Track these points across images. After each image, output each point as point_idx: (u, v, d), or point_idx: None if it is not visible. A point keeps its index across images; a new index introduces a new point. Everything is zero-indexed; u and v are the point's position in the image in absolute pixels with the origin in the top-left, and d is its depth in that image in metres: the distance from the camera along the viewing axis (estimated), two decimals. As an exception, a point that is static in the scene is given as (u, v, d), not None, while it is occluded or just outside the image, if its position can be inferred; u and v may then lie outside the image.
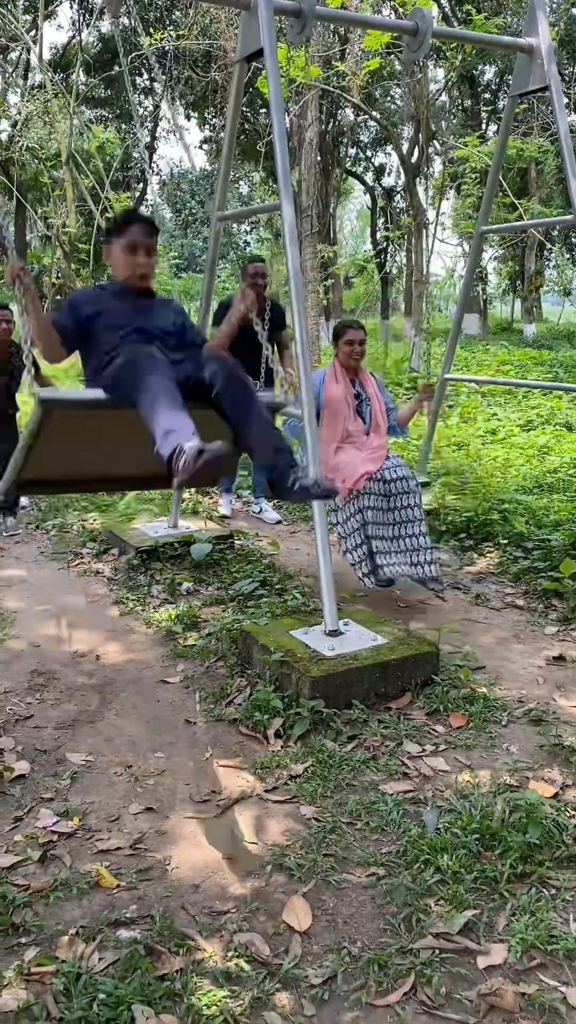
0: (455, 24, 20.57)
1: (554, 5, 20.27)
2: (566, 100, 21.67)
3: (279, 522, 6.28)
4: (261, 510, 6.41)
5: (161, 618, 4.22)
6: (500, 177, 5.58)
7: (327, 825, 2.53)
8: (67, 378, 12.57)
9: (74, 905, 2.21)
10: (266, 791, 2.73)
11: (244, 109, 20.84)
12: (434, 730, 3.12)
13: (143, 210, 28.86)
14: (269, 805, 2.66)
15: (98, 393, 2.88)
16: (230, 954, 2.03)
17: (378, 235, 32.30)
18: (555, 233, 28.88)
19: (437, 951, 2.03)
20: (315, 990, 1.93)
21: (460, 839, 2.41)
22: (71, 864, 2.38)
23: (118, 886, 2.28)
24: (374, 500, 4.36)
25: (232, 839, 2.50)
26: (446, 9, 21.82)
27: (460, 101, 25.66)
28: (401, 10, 10.11)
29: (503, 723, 3.19)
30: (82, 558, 5.27)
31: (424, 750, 2.97)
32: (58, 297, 16.99)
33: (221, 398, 2.89)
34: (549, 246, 28.20)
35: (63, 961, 1.98)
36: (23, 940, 2.08)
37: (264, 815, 2.61)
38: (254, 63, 4.20)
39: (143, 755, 2.98)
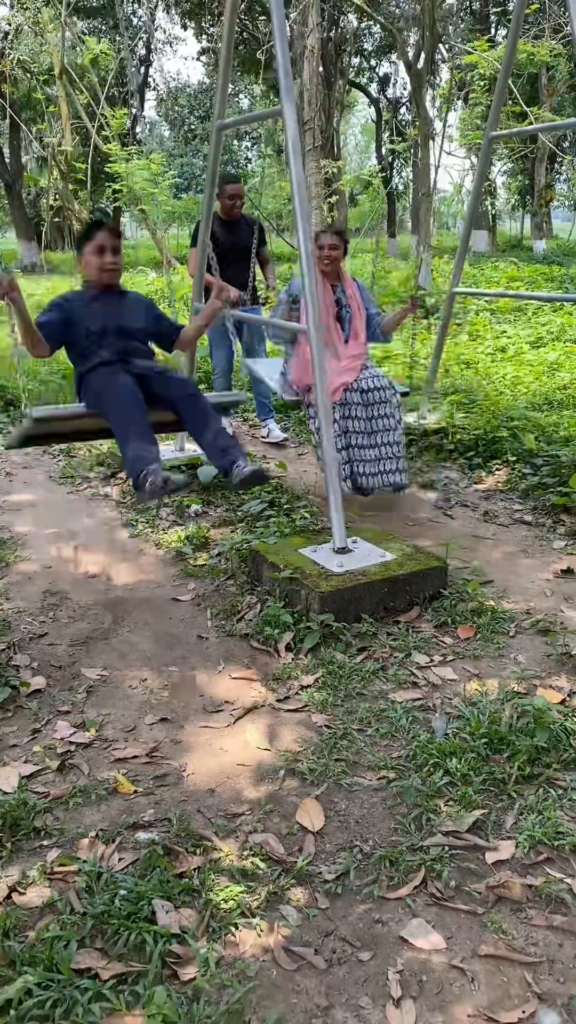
0: None
1: None
2: (579, -1, 20.71)
3: (286, 439, 6.26)
4: (269, 432, 6.38)
5: (170, 539, 4.24)
6: (510, 83, 5.37)
7: (338, 732, 2.59)
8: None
9: (93, 810, 2.28)
10: (278, 701, 2.78)
11: (242, 16, 19.99)
12: (442, 641, 3.16)
13: (139, 128, 28.02)
14: (281, 714, 2.71)
15: (80, 408, 3.65)
16: (246, 853, 2.09)
17: (383, 149, 31.32)
18: (566, 143, 27.94)
19: (447, 848, 2.09)
20: (328, 885, 2.00)
21: (469, 743, 2.47)
22: (89, 772, 2.44)
23: (135, 792, 2.35)
24: (352, 410, 4.41)
25: (246, 746, 2.56)
26: None
27: (468, 3, 24.53)
28: None
29: (511, 634, 3.22)
30: (90, 482, 5.27)
31: (432, 660, 3.02)
32: (56, 219, 16.63)
33: (181, 416, 3.60)
34: (560, 157, 27.30)
35: (84, 861, 2.05)
36: (45, 843, 2.15)
37: (276, 724, 2.66)
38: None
39: (157, 669, 3.03)
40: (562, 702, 2.71)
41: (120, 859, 2.08)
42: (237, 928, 1.87)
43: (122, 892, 1.93)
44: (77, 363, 3.69)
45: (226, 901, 1.93)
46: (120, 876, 2.00)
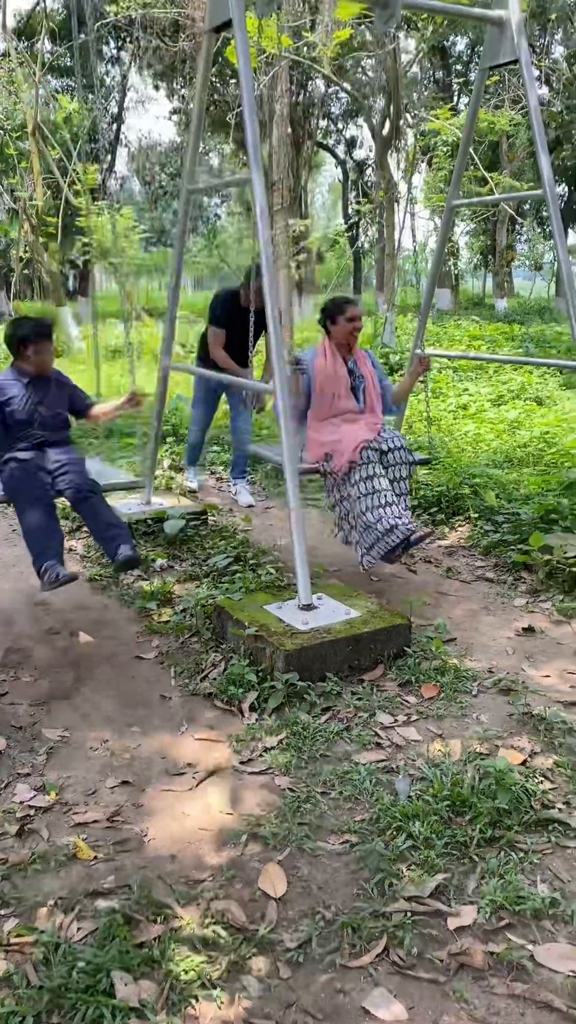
0: (426, -6, 20.38)
1: (525, -25, 20.09)
2: (536, 73, 21.59)
3: (251, 507, 6.25)
4: (237, 492, 6.39)
5: (135, 594, 4.23)
6: (471, 150, 5.58)
7: (301, 795, 2.58)
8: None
9: (52, 877, 2.24)
10: (241, 763, 2.77)
11: (213, 80, 20.55)
12: (406, 701, 3.18)
13: (111, 182, 28.47)
14: (244, 777, 2.70)
15: None
16: (207, 921, 2.07)
17: (350, 208, 32.11)
18: (526, 207, 28.88)
19: (409, 914, 2.09)
20: (290, 953, 1.98)
21: (431, 806, 2.47)
22: (48, 837, 2.40)
23: (95, 858, 2.31)
24: (373, 468, 4.13)
25: (208, 810, 2.54)
26: (417, -22, 21.59)
27: (432, 73, 25.49)
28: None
29: (473, 693, 3.25)
30: (55, 535, 5.25)
31: (396, 720, 3.03)
32: (26, 271, 16.76)
33: (76, 510, 4.05)
34: (520, 220, 28.20)
35: (42, 931, 2.01)
36: (2, 912, 2.11)
37: (239, 786, 2.65)
38: (223, 34, 4.15)
39: (119, 730, 3.00)
40: (523, 763, 2.73)
41: (79, 928, 2.05)
42: (197, 1000, 1.84)
43: (80, 964, 1.89)
44: (3, 444, 4.09)
45: (186, 972, 1.91)
46: (78, 947, 1.96)
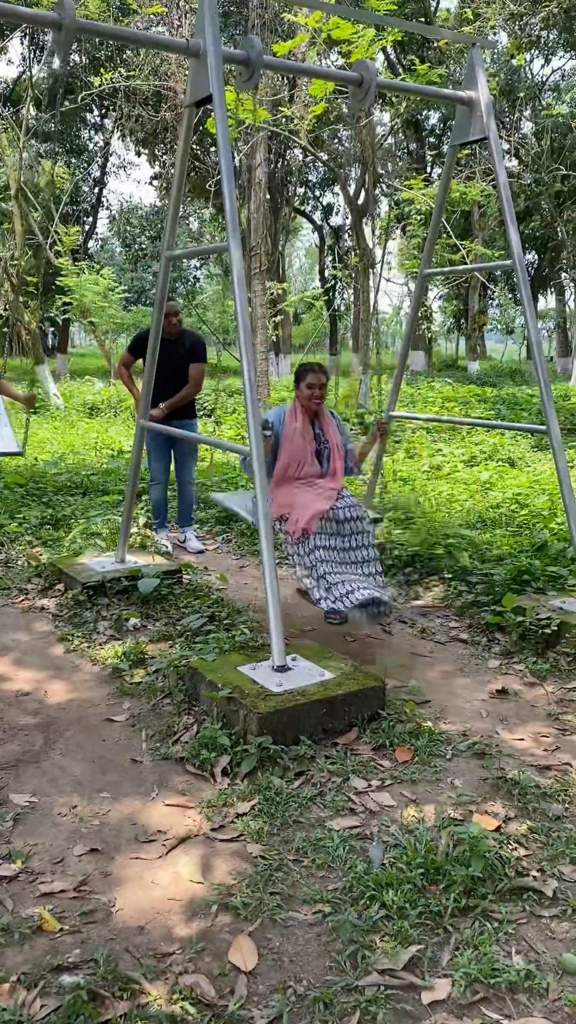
0: (400, 71, 21.22)
1: (495, 56, 21.03)
2: (505, 147, 22.43)
3: (202, 552, 6.34)
4: (185, 539, 6.49)
5: (107, 655, 4.19)
6: (444, 219, 5.76)
7: (273, 863, 2.53)
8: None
9: (16, 951, 2.17)
10: (212, 830, 2.72)
11: (194, 147, 21.10)
12: (380, 765, 3.15)
13: (91, 244, 28.97)
14: (216, 844, 2.65)
15: None
16: (175, 997, 2.01)
17: (326, 272, 32.84)
18: (498, 274, 29.68)
19: (382, 987, 2.04)
20: (261, 1031, 1.92)
21: (405, 874, 2.44)
22: (13, 908, 2.34)
23: (61, 930, 2.25)
24: (326, 539, 4.30)
25: (178, 879, 2.48)
26: (391, 57, 22.50)
27: (405, 144, 26.38)
28: (344, 60, 10.41)
29: (448, 757, 3.23)
30: (27, 594, 5.21)
31: (370, 785, 3.00)
32: (4, 330, 16.88)
33: None
34: (491, 287, 28.97)
35: (4, 1009, 1.94)
36: (-37, 989, 2.03)
37: (210, 854, 2.60)
38: (204, 107, 4.30)
39: (88, 795, 2.95)
40: (497, 829, 2.71)
41: (43, 1005, 1.98)
42: None
43: (43, 1044, 1.83)
44: None
45: (153, 1052, 1.85)
46: (41, 1026, 1.90)
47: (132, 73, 16.09)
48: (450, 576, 5.38)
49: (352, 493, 4.61)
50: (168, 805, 2.88)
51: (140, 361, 6.14)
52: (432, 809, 2.84)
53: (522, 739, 3.41)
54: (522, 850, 2.60)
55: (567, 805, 2.89)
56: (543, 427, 4.65)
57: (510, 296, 34.47)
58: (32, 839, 2.67)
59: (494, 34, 18.04)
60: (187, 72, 4.37)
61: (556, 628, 4.28)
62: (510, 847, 2.59)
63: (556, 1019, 1.97)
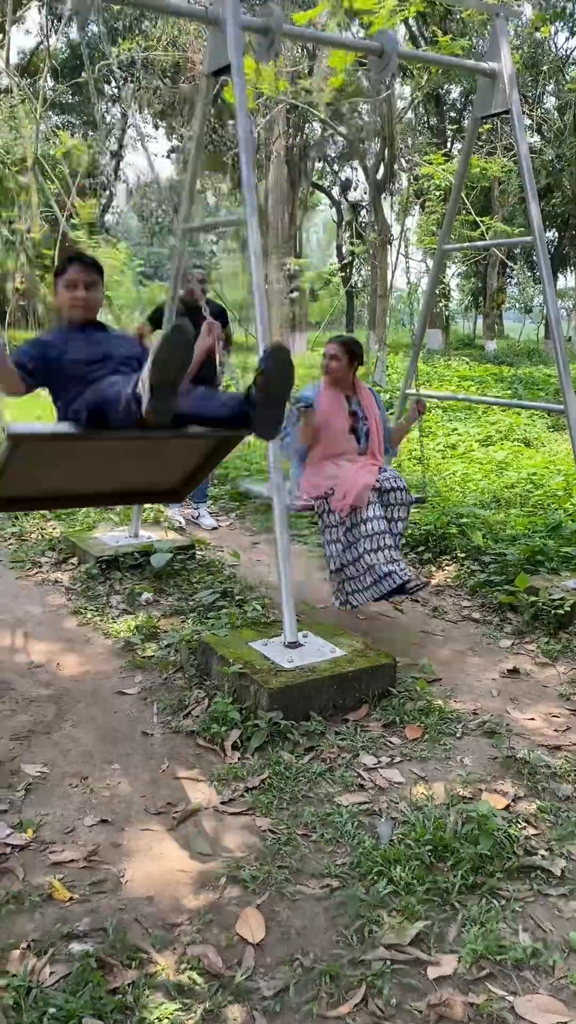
0: (422, 43, 20.88)
1: (518, 29, 20.65)
2: (528, 122, 22.05)
3: (215, 528, 6.34)
4: (199, 515, 6.49)
5: (120, 629, 4.21)
6: (463, 195, 5.70)
7: (282, 837, 2.54)
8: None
9: (26, 919, 2.19)
10: (222, 803, 2.73)
11: (212, 120, 20.90)
12: (390, 742, 3.16)
13: (108, 217, 28.85)
14: (225, 817, 2.67)
15: (67, 427, 2.98)
16: (183, 967, 2.03)
17: (343, 249, 32.56)
18: (517, 252, 29.36)
19: (388, 962, 2.05)
20: (267, 1002, 1.94)
21: (413, 851, 2.44)
22: (24, 877, 2.36)
23: (71, 899, 2.27)
24: (373, 509, 4.03)
25: (187, 852, 2.50)
26: (413, 29, 22.12)
27: (426, 119, 26.02)
28: (364, 32, 10.24)
29: (457, 735, 3.23)
30: (40, 567, 5.23)
31: (380, 762, 3.00)
32: (21, 303, 16.90)
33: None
34: (511, 265, 28.64)
35: (13, 975, 1.97)
36: (-27, 954, 2.06)
37: (220, 827, 2.61)
38: (222, 77, 4.24)
39: (99, 767, 2.96)
40: (506, 808, 2.71)
41: (52, 973, 2.00)
42: (170, 1050, 1.80)
43: (52, 1010, 1.85)
44: (65, 397, 3.23)
45: (160, 1020, 1.87)
46: (51, 992, 1.92)
47: (151, 44, 15.91)
48: (463, 555, 5.35)
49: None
50: (178, 778, 2.89)
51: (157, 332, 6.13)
52: (441, 787, 2.84)
53: (533, 719, 3.40)
54: (531, 829, 2.60)
55: (577, 785, 2.88)
56: (560, 406, 4.60)
57: (529, 274, 34.08)
58: (43, 809, 2.70)
59: (518, 5, 17.71)
60: (205, 43, 4.31)
61: (569, 609, 4.26)
62: (519, 826, 2.59)
63: (562, 996, 1.97)
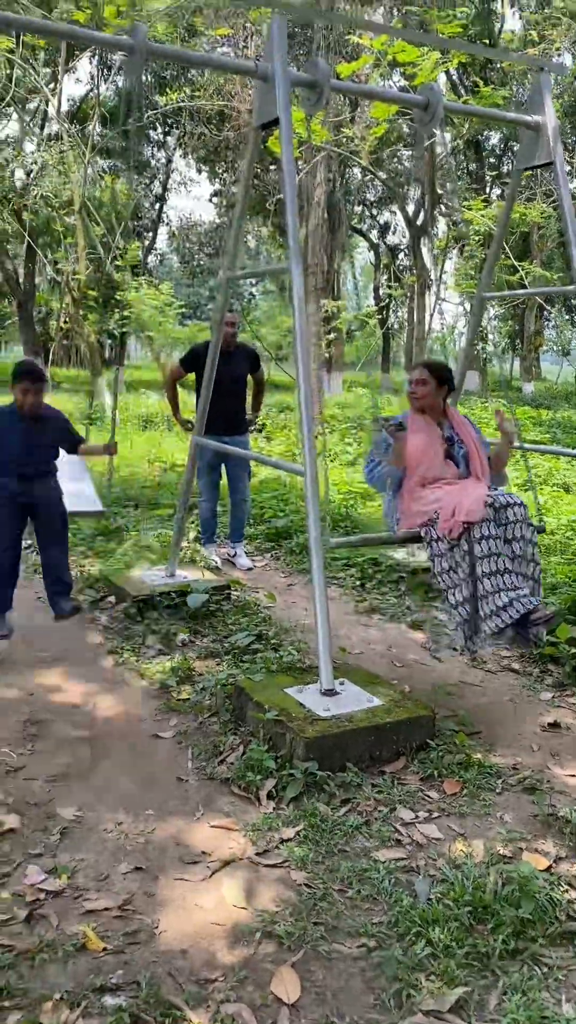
0: (463, 92, 21.20)
1: (559, 79, 20.90)
2: (568, 169, 22.20)
3: (251, 569, 6.32)
4: (235, 554, 6.47)
5: (155, 670, 4.21)
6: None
7: (318, 892, 2.50)
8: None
9: (60, 968, 2.18)
10: (257, 855, 2.70)
11: (255, 167, 21.38)
12: (428, 796, 3.10)
13: (151, 259, 29.43)
14: (260, 869, 2.63)
15: None
16: (217, 1026, 1.99)
17: (381, 291, 32.84)
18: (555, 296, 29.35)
19: (427, 1029, 2.00)
20: (302, 1067, 1.90)
21: (452, 911, 2.39)
22: (58, 925, 2.34)
23: (104, 949, 2.25)
24: (488, 528, 3.65)
25: (222, 903, 2.47)
26: (454, 78, 22.50)
27: (465, 165, 26.33)
28: (407, 83, 10.42)
29: (497, 791, 3.17)
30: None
31: (417, 816, 2.95)
32: (65, 341, 17.23)
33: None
34: (548, 308, 28.68)
35: (47, 1028, 1.95)
36: (6, 1004, 2.04)
37: (254, 879, 2.58)
38: (269, 129, 4.33)
39: (134, 812, 2.95)
40: (548, 869, 2.64)
41: (84, 1026, 1.98)
42: None
43: (84, 1067, 1.83)
44: None
45: None
46: (83, 1047, 1.89)
47: (197, 92, 16.34)
48: (502, 603, 5.28)
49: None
50: (213, 827, 2.87)
51: (191, 375, 6.20)
52: (481, 844, 2.78)
53: (573, 775, 3.33)
54: (573, 893, 2.53)
55: (621, 848, 2.81)
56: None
57: (567, 318, 34.07)
58: (78, 854, 2.68)
59: (559, 55, 17.94)
60: (251, 92, 4.41)
61: (611, 662, 4.18)
62: (561, 888, 2.52)
63: (607, 1074, 1.90)
